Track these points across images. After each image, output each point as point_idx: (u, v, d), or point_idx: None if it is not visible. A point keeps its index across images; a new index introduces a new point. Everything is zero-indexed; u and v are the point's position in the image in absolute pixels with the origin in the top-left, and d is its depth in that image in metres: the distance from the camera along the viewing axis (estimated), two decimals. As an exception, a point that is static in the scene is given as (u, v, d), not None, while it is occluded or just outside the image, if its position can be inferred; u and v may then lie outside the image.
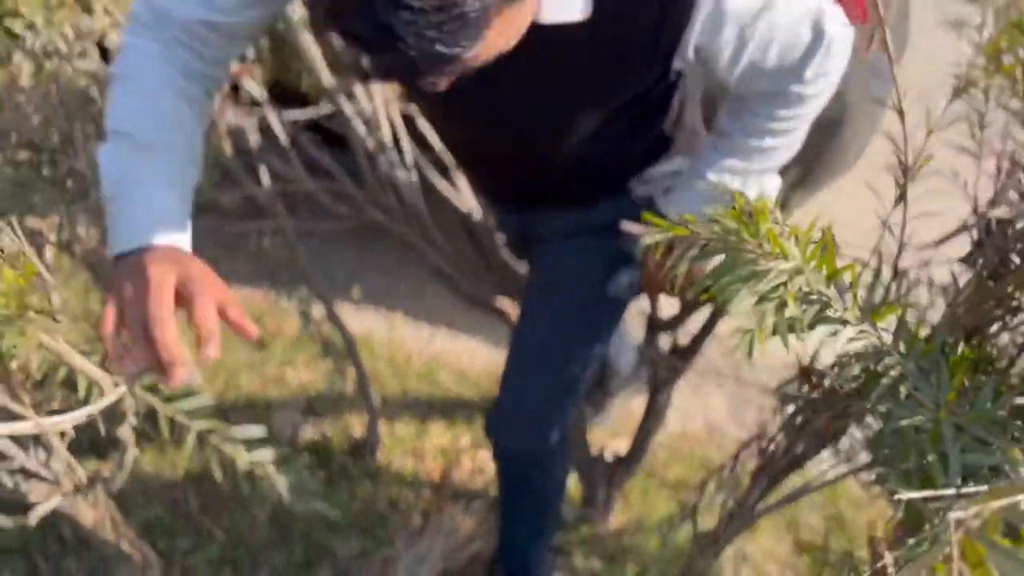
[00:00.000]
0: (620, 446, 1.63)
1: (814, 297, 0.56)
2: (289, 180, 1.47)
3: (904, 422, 0.55)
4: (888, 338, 0.60)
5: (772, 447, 0.93)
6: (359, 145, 1.45)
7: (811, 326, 0.57)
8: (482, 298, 1.59)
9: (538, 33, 0.74)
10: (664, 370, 1.40)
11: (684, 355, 1.39)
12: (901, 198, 0.82)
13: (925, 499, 0.46)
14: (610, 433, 1.76)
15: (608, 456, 1.57)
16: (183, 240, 0.77)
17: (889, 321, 0.63)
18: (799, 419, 0.88)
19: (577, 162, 1.00)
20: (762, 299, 0.54)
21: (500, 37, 0.64)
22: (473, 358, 1.94)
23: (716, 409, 1.85)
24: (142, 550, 1.30)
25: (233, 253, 1.84)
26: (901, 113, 0.77)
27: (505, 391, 1.17)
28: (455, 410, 1.80)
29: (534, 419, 1.16)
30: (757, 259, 0.54)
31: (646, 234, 0.57)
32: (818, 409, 0.87)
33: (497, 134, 0.97)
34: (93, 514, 1.17)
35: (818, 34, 0.84)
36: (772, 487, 0.99)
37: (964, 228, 0.84)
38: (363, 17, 0.56)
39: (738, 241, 0.54)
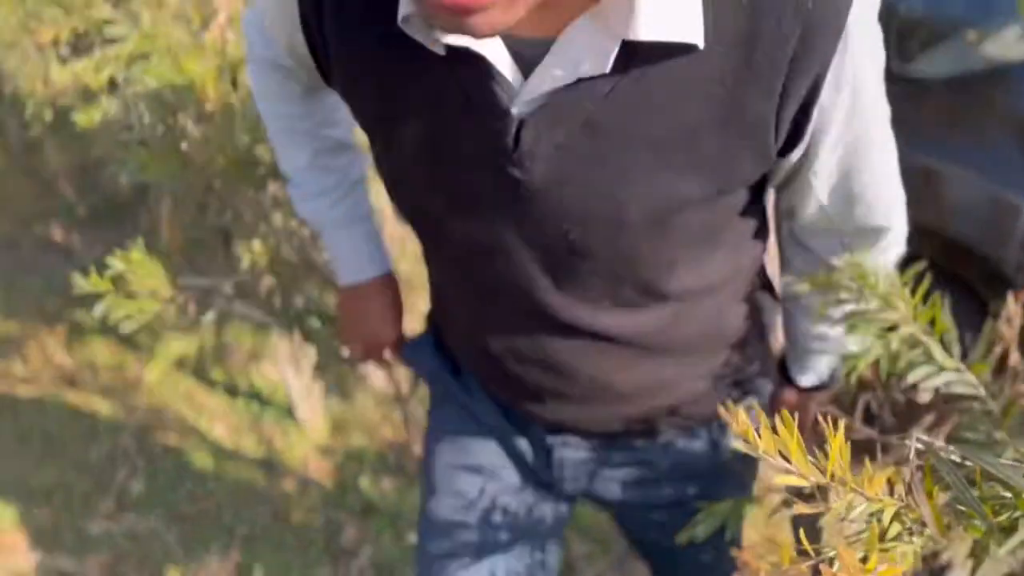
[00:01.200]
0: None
1: (918, 345, 0.80)
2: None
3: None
4: (981, 390, 0.81)
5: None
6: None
7: (911, 365, 0.80)
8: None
9: (623, 59, 0.52)
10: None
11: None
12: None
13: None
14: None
15: None
16: (376, 266, 0.99)
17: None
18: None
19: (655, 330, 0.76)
20: (876, 336, 0.79)
21: None
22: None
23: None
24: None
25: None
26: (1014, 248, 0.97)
27: None
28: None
29: None
30: (877, 310, 0.79)
31: (806, 283, 0.83)
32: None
33: (531, 234, 0.65)
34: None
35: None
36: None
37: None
38: None
39: (866, 294, 0.80)
